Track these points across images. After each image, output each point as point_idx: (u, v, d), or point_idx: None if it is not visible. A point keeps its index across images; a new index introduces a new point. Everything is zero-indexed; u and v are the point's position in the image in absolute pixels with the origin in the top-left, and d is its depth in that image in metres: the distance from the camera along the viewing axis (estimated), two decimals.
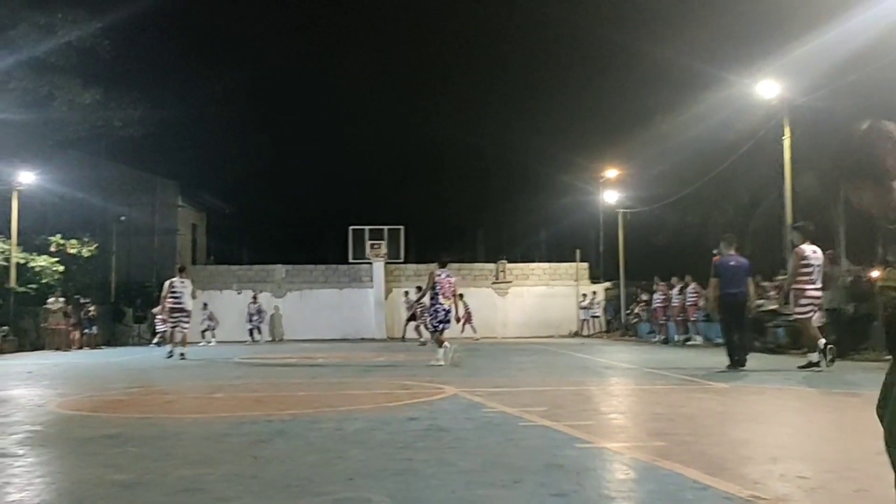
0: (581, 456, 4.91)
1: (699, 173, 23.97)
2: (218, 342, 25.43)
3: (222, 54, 46.42)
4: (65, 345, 22.45)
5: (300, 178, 39.68)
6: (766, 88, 17.45)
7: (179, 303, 16.55)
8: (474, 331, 24.96)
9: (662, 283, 22.11)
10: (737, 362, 11.15)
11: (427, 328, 14.69)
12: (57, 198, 24.88)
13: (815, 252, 10.65)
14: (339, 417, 6.75)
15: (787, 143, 17.22)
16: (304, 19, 49.13)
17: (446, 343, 13.43)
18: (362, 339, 26.08)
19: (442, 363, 12.71)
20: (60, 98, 22.47)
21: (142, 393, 9.56)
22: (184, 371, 13.41)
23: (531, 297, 29.54)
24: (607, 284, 29.77)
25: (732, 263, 11.43)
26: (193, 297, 17.00)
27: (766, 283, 18.18)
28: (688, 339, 20.82)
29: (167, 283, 16.90)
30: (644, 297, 25.33)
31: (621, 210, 27.76)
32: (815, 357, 10.65)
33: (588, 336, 27.61)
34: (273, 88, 45.90)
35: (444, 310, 13.02)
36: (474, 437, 5.66)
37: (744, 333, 11.55)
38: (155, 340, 23.51)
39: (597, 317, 28.79)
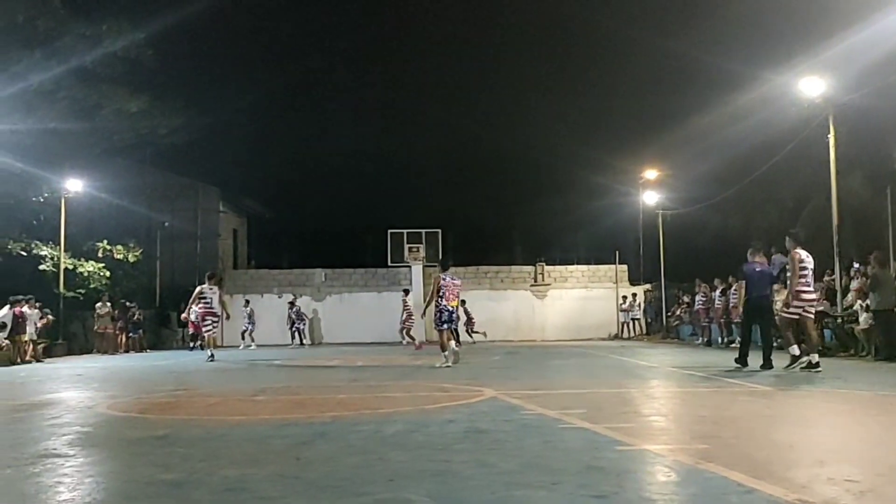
0: (621, 458, 4.89)
1: (741, 174, 23.63)
2: (258, 345, 25.75)
3: (263, 60, 47.08)
4: (112, 348, 22.96)
5: (339, 182, 40.01)
6: (810, 86, 17.09)
7: (210, 307, 17.29)
8: (483, 334, 24.84)
9: (704, 285, 21.82)
10: (744, 361, 11.79)
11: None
12: (104, 204, 25.44)
13: (808, 256, 11.21)
14: (379, 420, 6.81)
15: (832, 142, 16.86)
16: (343, 24, 49.59)
17: (452, 344, 13.79)
18: (400, 343, 26.17)
19: (449, 364, 13.08)
20: (107, 107, 23.00)
21: (187, 396, 9.74)
22: (226, 374, 13.63)
23: (570, 300, 29.36)
24: (647, 286, 29.46)
25: (758, 269, 12.11)
26: (222, 301, 17.65)
27: (817, 285, 17.84)
28: (731, 342, 20.49)
29: (197, 289, 17.61)
30: (685, 298, 25.03)
31: (661, 211, 27.47)
32: (795, 350, 11.19)
33: (628, 339, 27.35)
34: (313, 93, 46.38)
35: (447, 310, 13.47)
36: (513, 439, 5.67)
37: (767, 335, 12.01)
38: (191, 344, 23.91)
39: (637, 319, 28.51)
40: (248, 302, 26.81)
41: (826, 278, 17.63)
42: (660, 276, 27.00)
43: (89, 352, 22.92)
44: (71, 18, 21.49)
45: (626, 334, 28.00)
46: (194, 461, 5.05)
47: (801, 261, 11.10)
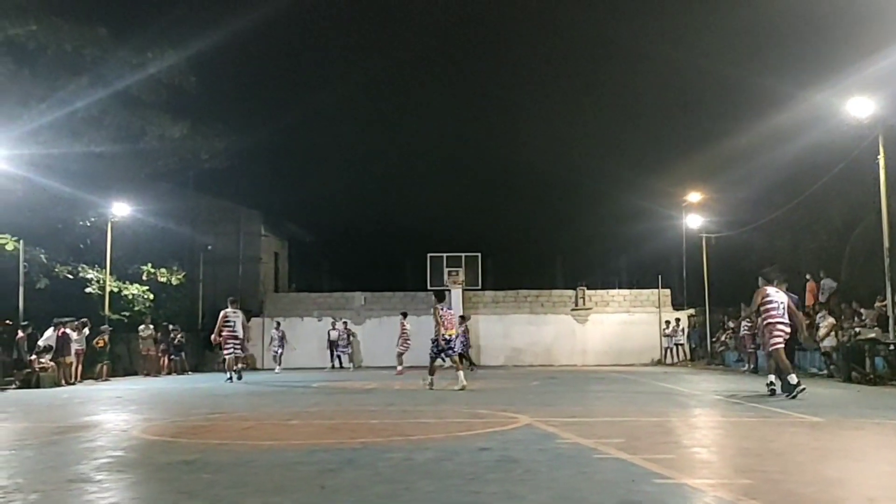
0: (659, 492, 4.67)
1: (788, 196, 23.09)
2: (283, 369, 25.79)
3: (302, 86, 47.75)
4: (154, 370, 23.21)
5: (380, 205, 40.23)
6: (858, 106, 16.66)
7: (234, 331, 18.15)
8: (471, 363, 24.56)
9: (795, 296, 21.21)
10: (788, 394, 11.52)
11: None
12: (148, 228, 25.88)
13: (777, 292, 11.98)
14: (410, 447, 6.66)
15: (881, 162, 16.39)
16: (384, 47, 50.06)
17: (461, 375, 14.45)
18: (440, 366, 25.99)
19: (432, 387, 14.22)
20: (151, 132, 23.45)
21: (222, 419, 9.71)
22: (263, 398, 13.62)
23: (611, 325, 28.91)
24: (691, 311, 28.88)
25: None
26: (244, 325, 18.63)
27: (863, 311, 17.29)
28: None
29: (222, 313, 18.34)
30: (731, 324, 24.45)
31: (705, 235, 26.97)
32: (793, 378, 11.39)
33: (671, 364, 26.79)
34: (351, 118, 46.84)
35: (445, 339, 14.46)
36: (546, 470, 5.48)
37: (790, 359, 12.89)
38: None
39: (681, 344, 27.93)
40: (278, 324, 26.84)
41: (877, 304, 17.04)
42: (704, 301, 26.43)
43: (134, 373, 23.20)
44: (116, 46, 22.03)
45: (669, 360, 27.43)
46: (219, 488, 4.97)
47: (767, 296, 11.92)
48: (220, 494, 4.76)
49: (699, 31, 34.24)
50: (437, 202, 40.33)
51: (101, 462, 6.19)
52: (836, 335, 17.98)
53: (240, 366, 18.58)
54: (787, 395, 11.23)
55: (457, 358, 15.04)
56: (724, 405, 11.06)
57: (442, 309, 14.62)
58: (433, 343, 14.67)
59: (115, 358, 22.89)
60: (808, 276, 22.35)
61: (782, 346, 11.70)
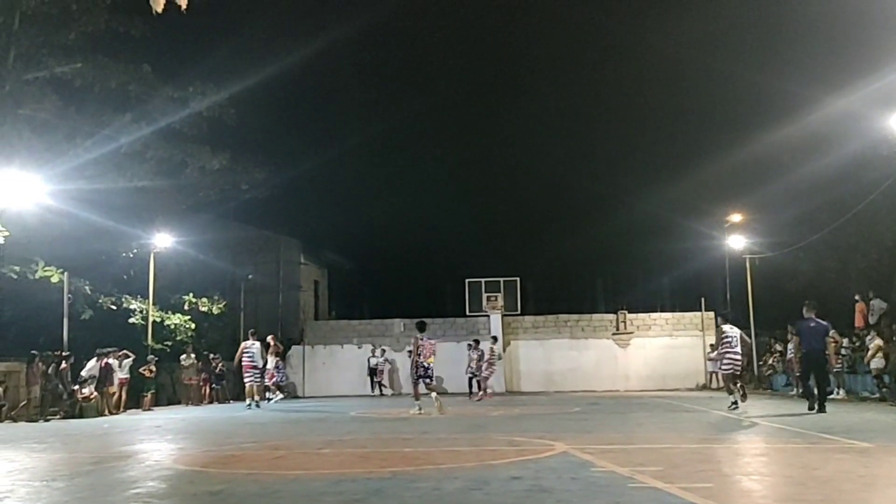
0: None
1: (835, 216, 22.48)
2: (338, 396, 25.83)
3: (341, 115, 48.35)
4: (196, 399, 23.39)
5: (418, 232, 40.29)
6: None
7: (252, 361, 19.78)
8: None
9: (796, 334, 20.65)
10: (813, 406, 13.76)
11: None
12: (189, 258, 26.20)
13: (731, 329, 14.58)
14: (440, 476, 6.53)
15: None
16: (420, 76, 50.53)
17: (427, 397, 15.50)
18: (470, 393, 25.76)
19: (421, 412, 14.97)
20: (192, 165, 23.82)
21: (254, 448, 9.68)
22: (299, 426, 13.60)
23: (654, 349, 28.35)
24: None
25: (812, 325, 14.29)
26: (263, 356, 20.33)
27: None
28: (829, 393, 19.27)
29: (242, 344, 20.16)
30: (778, 347, 23.79)
31: (749, 256, 26.39)
32: (736, 397, 14.39)
33: (717, 389, 26.12)
34: (388, 146, 47.23)
35: (423, 366, 15.57)
36: (577, 500, 5.30)
37: (823, 382, 14.39)
38: (268, 396, 23.55)
39: None
40: (383, 351, 27.39)
41: None
42: (749, 324, 25.80)
43: (177, 402, 23.40)
44: (160, 82, 22.50)
45: (714, 384, 26.75)
46: None
47: (724, 333, 14.59)
48: None
49: (741, 43, 33.86)
50: (475, 227, 40.32)
51: (129, 493, 6.18)
52: (886, 357, 17.37)
53: (269, 394, 20.59)
54: (817, 410, 13.52)
55: (434, 385, 16.07)
56: (768, 431, 10.68)
57: (422, 339, 15.63)
58: (413, 370, 15.79)
59: (158, 387, 23.13)
60: (857, 297, 21.68)
61: (731, 371, 14.53)
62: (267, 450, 9.51)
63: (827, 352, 15.04)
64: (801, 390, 17.18)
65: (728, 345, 14.48)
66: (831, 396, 18.74)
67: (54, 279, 19.96)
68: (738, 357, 14.41)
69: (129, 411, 20.06)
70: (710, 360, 26.82)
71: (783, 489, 5.79)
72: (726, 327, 14.86)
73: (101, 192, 21.65)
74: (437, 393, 15.79)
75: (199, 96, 23.12)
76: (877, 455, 7.69)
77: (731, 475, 6.69)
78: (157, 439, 11.58)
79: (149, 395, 21.40)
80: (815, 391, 13.99)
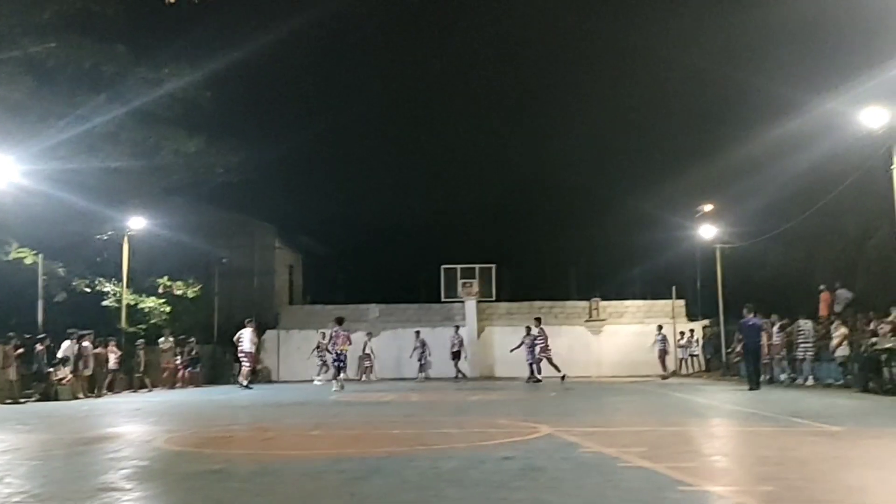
0: (685, 499, 4.73)
1: (802, 207, 22.99)
2: (309, 380, 25.94)
3: (316, 100, 48.10)
4: (171, 383, 23.33)
5: (393, 217, 40.26)
6: (872, 116, 16.63)
7: (241, 347, 21.66)
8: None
9: (765, 321, 21.19)
10: (754, 388, 16.72)
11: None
12: (163, 241, 25.98)
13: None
14: (434, 456, 6.73)
15: (895, 174, 16.35)
16: (396, 62, 50.38)
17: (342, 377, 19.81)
18: (455, 378, 26.04)
19: (338, 390, 18.56)
20: (166, 147, 23.61)
21: (243, 430, 9.82)
22: (281, 409, 13.71)
23: (626, 336, 28.79)
24: (706, 322, 28.76)
25: (751, 323, 17.66)
26: (252, 341, 21.97)
27: (884, 322, 17.15)
28: (794, 380, 19.86)
29: (238, 333, 21.90)
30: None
31: (719, 245, 26.89)
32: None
33: (687, 375, 26.65)
34: (365, 132, 47.13)
35: (337, 353, 19.90)
36: (571, 478, 5.54)
37: (758, 368, 17.79)
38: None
39: (695, 355, 27.80)
40: (418, 333, 26.96)
41: (893, 313, 16.96)
42: (718, 312, 26.34)
43: (151, 386, 23.26)
44: (134, 63, 22.21)
45: (684, 371, 27.29)
46: (249, 496, 5.06)
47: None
48: (250, 502, 4.85)
49: (713, 37, 34.16)
50: (451, 214, 40.44)
51: (128, 472, 6.29)
52: (851, 345, 17.92)
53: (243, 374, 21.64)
54: (751, 389, 16.58)
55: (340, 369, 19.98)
56: (741, 415, 11.06)
57: (337, 331, 19.77)
58: (335, 358, 20.07)
59: (132, 371, 22.98)
60: (822, 287, 22.26)
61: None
62: (256, 431, 9.65)
63: (761, 343, 18.56)
64: (747, 375, 18.33)
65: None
66: (798, 383, 19.42)
67: (28, 261, 19.78)
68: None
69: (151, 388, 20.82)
70: (681, 346, 27.43)
71: (763, 468, 6.08)
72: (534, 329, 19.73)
73: (74, 173, 21.39)
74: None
75: (174, 78, 22.90)
76: (847, 438, 8.05)
77: (711, 456, 7.00)
78: (140, 421, 11.63)
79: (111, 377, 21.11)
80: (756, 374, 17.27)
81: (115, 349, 20.98)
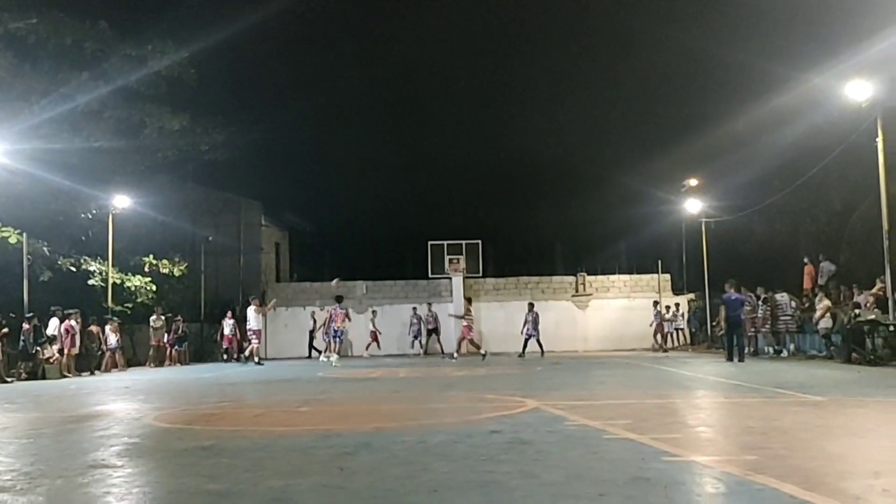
0: (669, 469, 4.80)
1: (787, 180, 23.14)
2: (297, 357, 26.12)
3: (303, 76, 47.64)
4: (160, 361, 23.33)
5: (379, 194, 40.17)
6: (856, 89, 16.71)
7: (249, 325, 22.89)
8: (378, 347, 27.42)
9: (749, 294, 21.39)
10: (737, 360, 17.34)
11: None
12: (149, 220, 25.85)
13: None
14: (422, 431, 6.79)
15: (880, 146, 16.47)
16: (382, 40, 49.94)
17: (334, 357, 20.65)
18: (442, 354, 26.17)
19: (337, 365, 19.56)
20: (151, 125, 23.41)
21: (232, 407, 9.85)
22: (270, 386, 13.75)
23: (612, 310, 29.02)
24: (691, 296, 28.99)
25: (733, 298, 18.12)
26: (258, 318, 22.92)
27: (867, 294, 17.36)
28: (779, 352, 20.10)
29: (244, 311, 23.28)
30: None
31: (705, 219, 27.05)
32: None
33: (672, 349, 26.94)
34: (352, 108, 46.79)
35: (335, 329, 20.92)
36: (557, 450, 5.61)
37: (740, 341, 18.27)
38: (224, 357, 24.99)
39: (681, 329, 28.06)
40: (232, 313, 26.34)
41: (877, 285, 17.18)
42: (704, 285, 26.56)
43: (138, 364, 23.27)
44: (117, 40, 21.95)
45: (669, 344, 27.56)
46: (239, 471, 5.10)
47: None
48: (242, 477, 4.89)
49: (698, 13, 34.07)
50: (437, 190, 40.36)
51: (119, 449, 6.32)
52: (834, 317, 18.14)
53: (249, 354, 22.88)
54: (738, 361, 17.24)
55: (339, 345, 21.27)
56: (725, 387, 11.20)
57: (336, 310, 20.86)
58: (333, 334, 21.07)
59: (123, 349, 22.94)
60: (805, 260, 22.47)
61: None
62: (245, 408, 9.69)
63: (743, 317, 18.82)
64: (726, 346, 18.68)
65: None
66: (782, 355, 19.67)
67: (12, 240, 19.62)
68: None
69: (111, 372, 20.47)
70: (666, 320, 27.66)
71: (747, 438, 6.18)
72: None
73: (57, 151, 21.22)
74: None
75: (158, 55, 22.66)
76: (830, 408, 8.18)
77: (696, 427, 7.09)
78: (129, 399, 11.63)
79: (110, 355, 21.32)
80: (737, 347, 17.81)
81: (115, 328, 21.43)
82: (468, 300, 25.01)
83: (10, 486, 4.78)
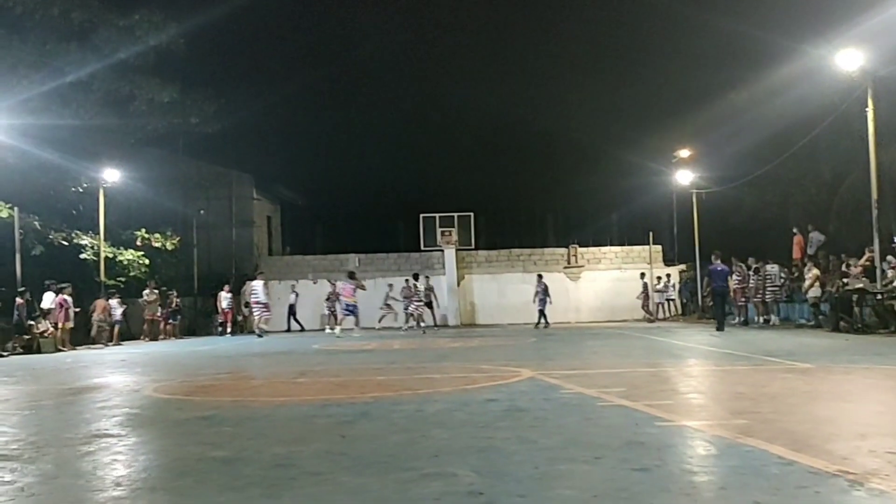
0: (661, 433, 4.94)
1: (778, 151, 23.22)
2: (289, 331, 26.31)
3: (294, 49, 47.26)
4: (154, 335, 23.41)
5: (371, 167, 40.10)
6: (847, 59, 16.74)
7: (257, 297, 23.10)
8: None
9: (740, 264, 21.59)
10: (720, 328, 17.88)
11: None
12: (140, 194, 25.72)
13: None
14: (420, 400, 6.92)
15: (870, 115, 16.55)
16: (374, 12, 49.52)
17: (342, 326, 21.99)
18: (435, 326, 26.33)
19: (357, 336, 20.62)
20: (140, 98, 23.24)
21: (230, 378, 9.95)
22: (266, 358, 13.87)
23: (604, 282, 29.20)
24: (682, 267, 29.19)
25: (719, 269, 18.65)
26: (266, 292, 23.39)
27: (852, 264, 17.55)
28: (768, 321, 20.34)
29: (247, 284, 24.13)
30: None
31: (695, 191, 27.15)
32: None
33: (663, 319, 27.18)
34: (342, 80, 46.52)
35: (346, 304, 22.02)
36: (553, 417, 5.74)
37: (724, 311, 19.01)
38: (220, 329, 25.32)
39: (672, 300, 28.29)
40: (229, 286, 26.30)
41: (866, 254, 17.36)
42: (694, 256, 26.76)
43: (131, 338, 23.33)
44: (104, 10, 21.74)
45: (661, 315, 27.81)
46: (242, 439, 5.20)
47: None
48: (245, 445, 5.00)
49: None
50: (428, 162, 40.31)
51: (120, 419, 6.42)
52: (823, 287, 18.35)
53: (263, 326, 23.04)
54: (718, 329, 17.67)
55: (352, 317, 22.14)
56: (716, 356, 11.38)
57: (345, 285, 22.04)
58: (345, 309, 22.19)
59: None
60: (794, 230, 22.65)
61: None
62: (242, 380, 9.80)
63: (731, 287, 19.96)
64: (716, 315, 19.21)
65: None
66: (770, 324, 19.92)
67: (3, 214, 19.57)
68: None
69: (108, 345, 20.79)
70: (658, 291, 27.88)
71: (737, 404, 6.33)
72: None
73: (47, 126, 21.05)
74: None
75: (147, 25, 22.47)
76: (817, 374, 8.36)
77: (688, 393, 7.25)
78: (126, 372, 11.72)
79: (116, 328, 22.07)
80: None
81: (120, 302, 22.23)
82: (539, 276, 25.53)
83: (18, 454, 4.87)
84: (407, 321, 25.02)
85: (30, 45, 20.61)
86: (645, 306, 27.14)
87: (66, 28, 21.39)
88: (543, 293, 24.61)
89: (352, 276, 22.20)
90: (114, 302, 21.98)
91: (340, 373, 10.14)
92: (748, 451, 4.29)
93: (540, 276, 25.21)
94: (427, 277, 27.27)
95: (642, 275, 27.50)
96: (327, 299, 25.31)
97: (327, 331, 23.82)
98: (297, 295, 27.94)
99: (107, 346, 20.59)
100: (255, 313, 23.39)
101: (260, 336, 22.14)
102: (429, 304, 26.98)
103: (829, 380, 7.90)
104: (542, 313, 24.47)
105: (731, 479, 3.75)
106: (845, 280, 17.01)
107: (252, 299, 23.53)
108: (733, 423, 5.14)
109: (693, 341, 14.80)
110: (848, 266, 17.56)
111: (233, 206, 30.70)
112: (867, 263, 17.14)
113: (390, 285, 27.48)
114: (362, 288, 22.16)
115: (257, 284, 23.37)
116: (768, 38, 23.20)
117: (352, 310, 22.01)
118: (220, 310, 25.30)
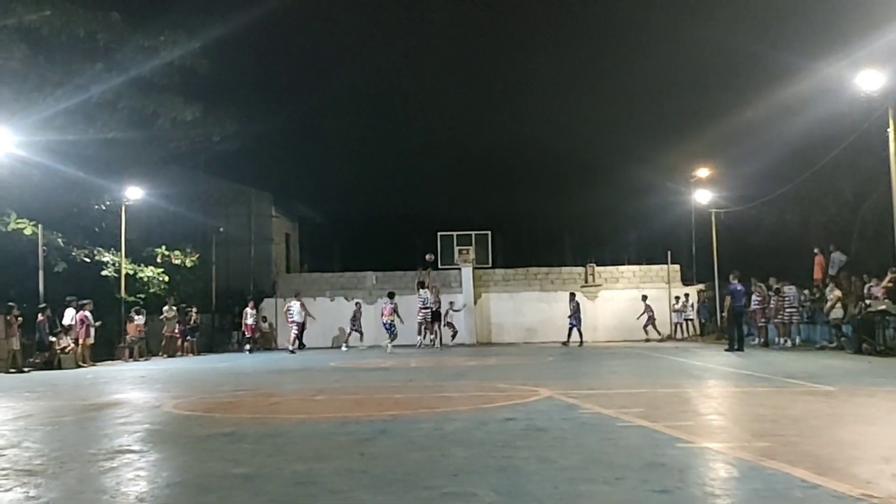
0: (682, 455, 4.91)
1: (798, 170, 23.09)
2: (308, 348, 26.33)
3: (313, 69, 47.71)
4: (172, 351, 23.55)
5: (389, 185, 40.31)
6: (868, 79, 16.67)
7: (292, 317, 24.40)
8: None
9: (760, 285, 21.42)
10: (737, 349, 17.99)
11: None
12: (161, 211, 26.02)
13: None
14: (438, 418, 6.92)
15: (892, 135, 16.43)
16: (392, 31, 49.93)
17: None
18: (451, 342, 26.28)
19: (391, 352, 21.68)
20: (164, 116, 23.52)
21: (249, 395, 9.99)
22: (284, 376, 13.91)
23: (621, 301, 29.05)
24: (700, 286, 29.01)
25: (738, 288, 18.92)
26: (301, 312, 24.52)
27: (874, 284, 17.35)
28: (785, 342, 20.13)
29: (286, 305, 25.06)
30: None
31: (714, 210, 27.03)
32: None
33: (682, 339, 26.99)
34: (360, 99, 46.85)
35: (385, 322, 23.79)
36: (572, 437, 5.72)
37: (741, 330, 18.94)
38: (247, 347, 25.24)
39: (690, 320, 28.09)
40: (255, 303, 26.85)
41: (889, 275, 17.17)
42: (713, 276, 26.58)
43: (150, 354, 23.46)
44: (129, 31, 22.06)
45: (679, 335, 27.62)
46: (263, 456, 5.23)
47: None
48: (265, 462, 5.02)
49: (709, 3, 34.00)
50: (446, 181, 40.43)
51: (141, 435, 6.47)
52: (844, 308, 18.16)
53: (296, 345, 24.14)
54: (738, 350, 17.91)
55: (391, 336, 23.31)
56: (736, 377, 11.28)
57: (384, 304, 24.11)
58: (387, 326, 23.63)
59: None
60: (816, 251, 22.46)
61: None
62: (261, 397, 9.83)
63: (748, 307, 20.33)
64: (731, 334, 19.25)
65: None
66: (786, 346, 19.75)
67: (27, 231, 19.81)
68: None
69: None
70: (676, 311, 27.72)
71: (759, 426, 6.28)
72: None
73: (72, 143, 21.36)
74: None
75: (171, 45, 22.75)
76: (840, 397, 8.27)
77: (708, 415, 7.19)
78: (146, 388, 11.80)
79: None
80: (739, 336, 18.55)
81: (142, 318, 22.52)
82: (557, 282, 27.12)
83: (42, 469, 4.93)
84: (422, 335, 25.07)
85: (56, 65, 20.96)
86: (646, 326, 27.13)
87: (92, 48, 21.72)
88: (575, 311, 24.63)
89: (392, 296, 24.12)
90: (140, 319, 22.39)
91: (358, 391, 10.16)
92: (771, 473, 4.26)
93: (573, 295, 25.35)
94: (451, 302, 27.48)
95: (644, 297, 27.50)
96: (353, 318, 25.43)
97: (343, 348, 24.63)
98: (305, 312, 27.96)
99: (137, 360, 21.15)
100: (293, 332, 24.32)
101: (292, 353, 23.09)
102: (438, 318, 26.71)
103: (851, 403, 7.82)
104: (573, 330, 24.40)
105: (755, 503, 3.73)
106: (868, 301, 16.82)
107: (288, 319, 24.55)
108: (755, 446, 5.10)
109: (713, 362, 14.68)
110: (870, 287, 17.37)
111: (251, 223, 30.93)
112: (890, 285, 16.95)
113: (451, 303, 27.60)
114: (396, 314, 23.81)
115: (294, 304, 24.40)
116: (788, 57, 23.15)
117: (389, 328, 23.30)
118: (244, 325, 25.44)
